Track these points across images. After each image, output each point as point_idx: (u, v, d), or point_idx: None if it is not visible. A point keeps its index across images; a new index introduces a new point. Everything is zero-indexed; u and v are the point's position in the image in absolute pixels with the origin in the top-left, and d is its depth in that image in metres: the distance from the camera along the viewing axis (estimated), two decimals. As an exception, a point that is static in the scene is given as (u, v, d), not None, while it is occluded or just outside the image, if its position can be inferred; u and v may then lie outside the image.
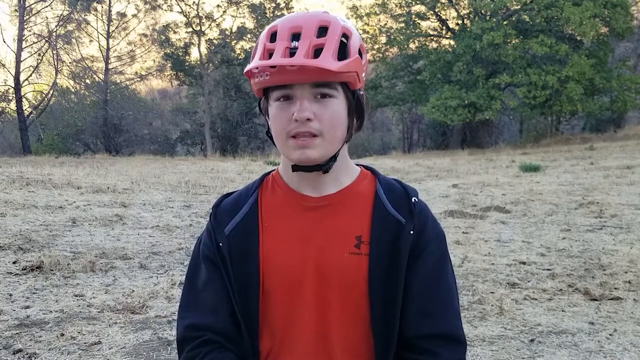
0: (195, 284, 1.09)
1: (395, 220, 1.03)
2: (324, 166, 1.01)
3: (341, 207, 1.05)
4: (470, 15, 25.31)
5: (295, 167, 1.02)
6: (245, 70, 1.00)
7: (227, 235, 1.06)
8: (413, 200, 1.06)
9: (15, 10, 25.85)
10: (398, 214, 1.04)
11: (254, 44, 1.05)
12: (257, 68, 0.97)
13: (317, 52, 0.94)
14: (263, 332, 1.05)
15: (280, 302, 1.04)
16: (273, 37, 0.98)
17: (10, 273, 4.44)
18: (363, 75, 1.02)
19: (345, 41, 0.98)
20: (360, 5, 27.30)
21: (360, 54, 1.01)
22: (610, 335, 3.27)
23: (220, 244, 1.05)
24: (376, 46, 26.58)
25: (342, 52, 0.97)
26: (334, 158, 1.02)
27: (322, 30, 0.96)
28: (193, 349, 1.03)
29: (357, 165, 1.13)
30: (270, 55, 0.95)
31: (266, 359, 1.06)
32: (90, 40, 31.42)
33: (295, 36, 0.96)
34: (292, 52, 0.94)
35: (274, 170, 1.15)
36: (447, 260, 1.08)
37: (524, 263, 4.83)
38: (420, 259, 1.03)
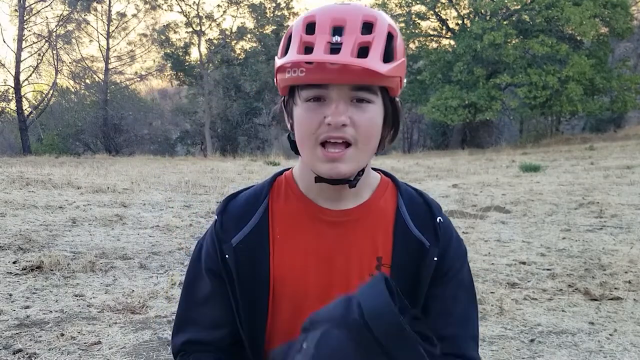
0: (195, 296, 1.01)
1: (418, 242, 0.96)
2: (352, 181, 0.92)
3: (361, 224, 0.97)
4: (471, 15, 25.32)
5: (319, 179, 0.92)
6: (278, 65, 0.87)
7: (234, 247, 0.96)
8: (438, 220, 0.98)
9: (15, 10, 25.85)
10: (422, 236, 0.96)
11: (285, 34, 0.91)
12: (289, 63, 0.85)
13: (363, 51, 0.83)
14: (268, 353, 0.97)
15: (288, 321, 0.96)
16: (311, 28, 0.86)
17: (10, 273, 4.44)
18: (405, 81, 0.93)
19: (390, 41, 0.87)
20: (360, 5, 27.27)
21: (404, 55, 0.92)
22: (610, 335, 3.27)
23: (227, 256, 0.95)
24: (376, 46, 26.55)
25: (388, 53, 0.86)
26: (362, 172, 0.93)
27: (368, 27, 0.85)
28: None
29: (375, 169, 1.04)
30: (307, 50, 0.84)
31: None
32: (90, 40, 31.48)
33: (338, 30, 0.84)
34: (334, 48, 0.83)
35: (287, 170, 1.05)
36: (467, 280, 1.01)
37: (524, 263, 4.83)
38: (442, 281, 0.97)
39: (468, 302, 1.01)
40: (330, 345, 0.73)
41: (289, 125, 0.95)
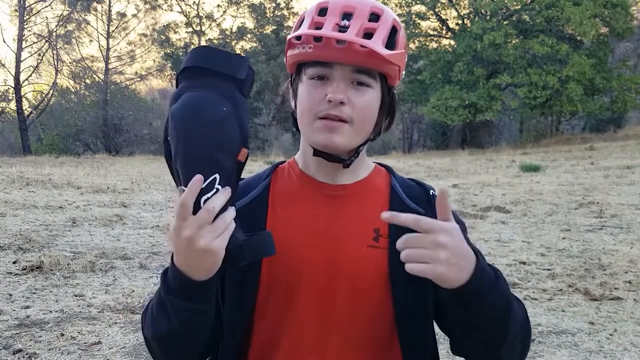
0: None
1: (414, 211, 0.97)
2: (346, 160, 0.98)
3: (358, 199, 1.02)
4: (471, 15, 25.33)
5: (317, 152, 0.98)
6: (288, 38, 0.94)
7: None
8: (431, 193, 1.03)
9: (15, 10, 25.87)
10: (417, 207, 1.00)
11: (285, 34, 0.99)
12: (299, 38, 0.91)
13: (368, 35, 0.90)
14: (258, 324, 0.99)
15: (282, 293, 0.97)
16: (323, 11, 0.93)
17: (10, 273, 4.44)
18: (403, 73, 0.99)
19: (394, 33, 0.94)
20: (361, 5, 27.29)
21: (405, 50, 0.98)
22: (610, 335, 3.27)
23: None
24: (376, 46, 26.57)
25: (391, 42, 0.93)
26: (356, 153, 0.99)
27: (375, 16, 0.93)
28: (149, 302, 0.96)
29: (372, 162, 1.11)
30: (317, 28, 0.91)
31: (260, 354, 1.00)
32: (90, 40, 31.54)
33: (347, 15, 0.92)
34: (341, 30, 0.90)
35: (289, 159, 1.11)
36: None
37: (524, 263, 4.83)
38: None
39: None
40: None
41: (292, 104, 1.02)
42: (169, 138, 0.81)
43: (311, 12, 0.95)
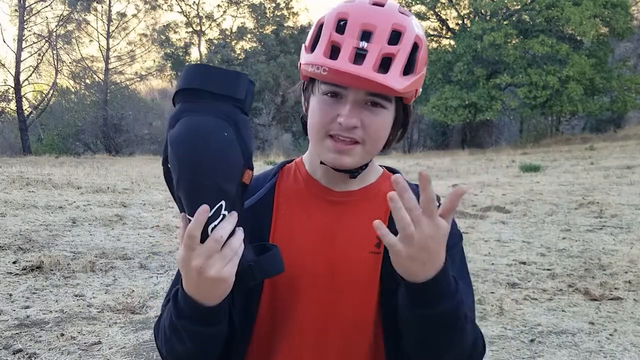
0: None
1: None
2: (354, 172, 0.97)
3: (364, 205, 1.01)
4: (471, 15, 25.33)
5: (324, 162, 0.97)
6: (303, 62, 0.91)
7: None
8: (435, 202, 1.02)
9: (15, 10, 25.87)
10: None
11: (313, 23, 0.94)
12: (313, 64, 0.88)
13: (386, 61, 0.86)
14: (258, 328, 0.99)
15: (283, 297, 0.97)
16: (341, 25, 0.88)
17: (10, 273, 4.44)
18: (420, 90, 0.96)
19: (415, 52, 0.90)
20: (361, 5, 27.28)
21: (424, 67, 0.94)
22: (610, 335, 3.27)
23: None
24: (376, 46, 26.59)
25: (410, 64, 0.89)
26: (365, 165, 0.98)
27: (396, 36, 0.88)
28: (160, 319, 0.94)
29: (381, 166, 1.09)
30: (333, 49, 0.87)
31: (260, 358, 0.99)
32: (90, 40, 31.52)
33: (366, 35, 0.87)
34: (359, 54, 0.86)
35: (297, 158, 1.09)
36: (460, 258, 1.04)
37: (524, 263, 4.83)
38: None
39: (461, 278, 1.00)
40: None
41: (304, 108, 1.00)
42: (169, 165, 0.78)
43: (329, 24, 0.90)
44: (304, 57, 0.92)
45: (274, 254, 0.85)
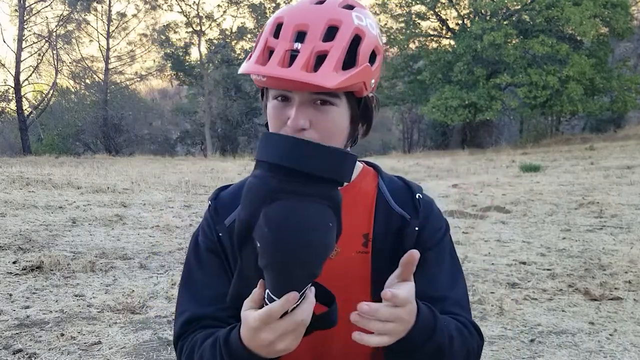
0: (193, 280, 1.03)
1: (399, 216, 0.99)
2: None
3: (346, 204, 0.97)
4: (471, 15, 25.33)
5: None
6: (240, 71, 0.91)
7: (227, 227, 1.00)
8: (417, 196, 1.02)
9: (15, 10, 25.87)
10: (402, 210, 1.00)
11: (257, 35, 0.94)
12: (247, 73, 0.89)
13: (320, 59, 0.84)
14: None
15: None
16: (278, 29, 0.88)
17: (10, 273, 4.44)
18: (372, 81, 0.92)
19: (356, 44, 0.87)
20: (361, 5, 27.27)
21: (372, 58, 0.90)
22: (610, 335, 3.27)
23: (220, 234, 1.00)
24: (376, 46, 26.57)
25: (350, 57, 0.86)
26: None
27: (331, 32, 0.85)
28: (190, 338, 0.95)
29: (360, 161, 1.08)
30: (270, 54, 0.86)
31: None
32: (90, 40, 31.53)
33: (300, 36, 0.85)
34: (293, 56, 0.84)
35: None
36: (449, 249, 1.04)
37: (524, 263, 4.83)
38: (422, 249, 0.97)
39: (452, 268, 1.03)
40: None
41: (264, 114, 0.99)
42: (258, 241, 0.74)
43: (266, 31, 0.89)
44: (242, 66, 0.91)
45: (333, 309, 0.83)
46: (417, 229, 0.99)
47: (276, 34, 0.88)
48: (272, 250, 0.72)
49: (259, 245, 0.74)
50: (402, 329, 0.81)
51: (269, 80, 0.87)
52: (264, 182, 0.73)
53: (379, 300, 0.94)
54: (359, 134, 0.99)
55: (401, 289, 0.81)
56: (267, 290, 0.75)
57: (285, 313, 0.75)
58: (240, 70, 0.90)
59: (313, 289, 0.77)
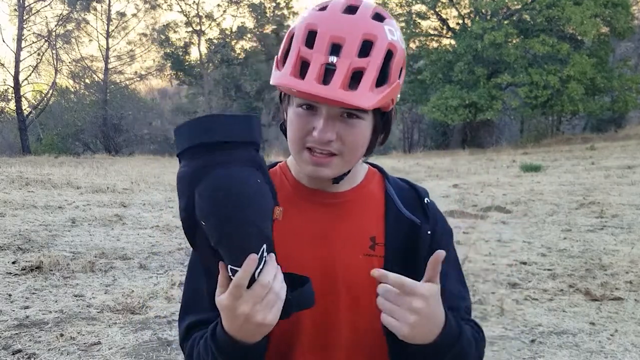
0: (196, 282, 1.01)
1: (409, 221, 0.99)
2: (336, 179, 0.96)
3: (354, 206, 1.00)
4: (471, 15, 25.32)
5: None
6: (273, 81, 0.90)
7: None
8: (425, 201, 1.03)
9: (15, 9, 25.87)
10: (412, 216, 1.00)
11: (285, 33, 0.93)
12: (281, 85, 0.88)
13: (356, 75, 0.84)
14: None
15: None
16: (311, 37, 0.86)
17: (10, 273, 4.44)
18: (398, 96, 0.93)
19: (388, 60, 0.87)
20: (361, 5, 27.26)
21: (400, 73, 0.91)
22: (611, 335, 3.26)
23: None
24: (376, 46, 26.58)
25: (383, 75, 0.87)
26: (348, 171, 0.96)
27: (366, 47, 0.85)
28: (192, 338, 0.96)
29: (365, 162, 1.08)
30: (303, 65, 0.85)
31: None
32: (90, 40, 31.53)
33: (336, 48, 0.84)
34: (328, 69, 0.84)
35: (280, 162, 1.08)
36: (455, 257, 1.06)
37: (524, 263, 4.82)
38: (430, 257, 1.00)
39: (458, 279, 1.04)
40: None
41: (283, 116, 0.98)
42: (202, 220, 0.76)
43: (299, 37, 0.87)
44: (274, 75, 0.90)
45: (307, 288, 0.85)
46: (429, 232, 1.00)
47: (309, 44, 0.86)
48: (216, 221, 0.75)
49: (204, 225, 0.76)
50: (425, 327, 0.83)
51: (303, 94, 0.86)
52: (189, 166, 0.78)
53: None
54: (376, 144, 0.99)
55: (418, 283, 0.83)
56: (229, 266, 0.77)
57: (253, 281, 0.76)
58: (274, 82, 0.89)
59: (272, 255, 0.79)
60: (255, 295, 0.76)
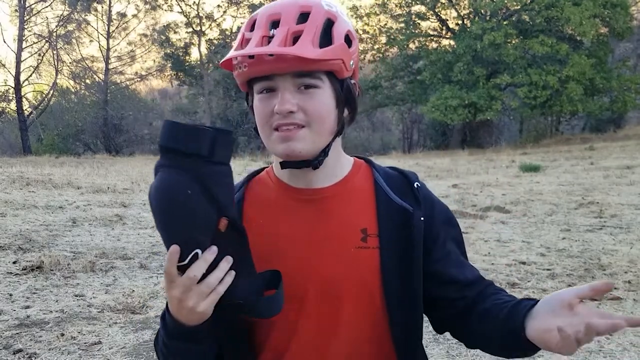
0: None
1: (401, 208, 0.98)
2: (314, 162, 0.94)
3: (338, 200, 0.99)
4: (471, 16, 25.33)
5: (284, 164, 0.96)
6: (220, 62, 0.93)
7: None
8: (415, 185, 1.01)
9: (16, 10, 25.87)
10: (404, 202, 0.98)
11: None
12: (236, 59, 0.91)
13: (296, 39, 0.87)
14: (260, 340, 0.99)
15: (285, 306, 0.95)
16: (253, 26, 0.92)
17: (11, 273, 4.45)
18: (351, 63, 0.94)
19: (329, 26, 0.91)
20: (361, 5, 27.41)
21: (347, 40, 0.92)
22: (610, 335, 3.27)
23: None
24: (376, 46, 26.61)
25: (326, 38, 0.89)
26: (324, 153, 0.95)
27: (304, 17, 0.89)
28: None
29: (350, 156, 1.07)
30: (245, 43, 0.90)
31: None
32: (91, 41, 31.47)
33: (275, 24, 0.89)
34: (269, 40, 0.88)
35: (267, 167, 1.09)
36: (463, 245, 1.06)
37: (523, 263, 4.83)
38: (437, 245, 0.99)
39: (470, 266, 1.05)
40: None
41: (253, 118, 0.99)
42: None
43: (242, 29, 0.94)
44: (231, 63, 0.94)
45: (273, 297, 0.89)
46: (422, 218, 0.98)
47: (252, 28, 0.92)
48: (153, 214, 0.83)
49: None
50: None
51: (250, 68, 0.90)
52: (156, 162, 0.85)
53: (390, 293, 0.95)
54: (345, 121, 0.98)
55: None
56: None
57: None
58: (222, 60, 0.93)
59: (214, 248, 0.83)
60: (182, 284, 0.82)
